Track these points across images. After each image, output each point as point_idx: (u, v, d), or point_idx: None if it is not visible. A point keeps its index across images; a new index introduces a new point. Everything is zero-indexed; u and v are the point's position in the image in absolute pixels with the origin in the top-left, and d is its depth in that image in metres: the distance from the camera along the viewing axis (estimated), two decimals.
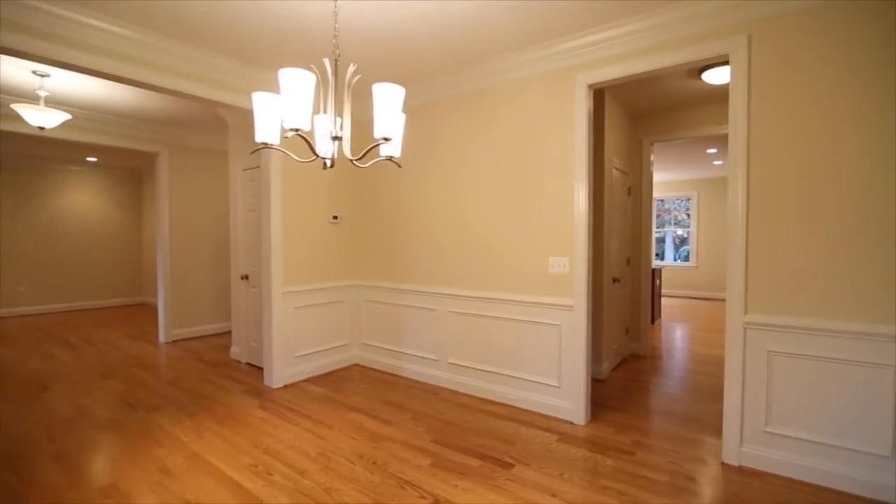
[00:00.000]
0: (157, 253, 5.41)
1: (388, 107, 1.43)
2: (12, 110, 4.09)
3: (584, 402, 2.92)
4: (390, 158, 1.72)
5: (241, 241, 4.40)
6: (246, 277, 4.32)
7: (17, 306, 7.11)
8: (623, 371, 4.14)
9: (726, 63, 3.21)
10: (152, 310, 7.74)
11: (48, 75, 3.53)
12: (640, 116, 4.68)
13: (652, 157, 4.78)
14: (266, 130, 1.51)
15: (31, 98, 4.01)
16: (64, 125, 4.45)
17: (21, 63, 3.29)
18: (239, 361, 4.43)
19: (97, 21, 2.55)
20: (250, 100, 3.39)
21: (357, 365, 4.29)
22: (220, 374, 4.04)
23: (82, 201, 7.77)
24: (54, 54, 2.46)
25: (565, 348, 3.00)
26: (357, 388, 3.63)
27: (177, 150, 5.35)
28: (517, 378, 3.23)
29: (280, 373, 3.67)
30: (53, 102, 4.21)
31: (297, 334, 3.80)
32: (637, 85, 3.80)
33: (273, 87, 3.51)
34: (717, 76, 3.49)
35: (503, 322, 3.29)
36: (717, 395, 3.46)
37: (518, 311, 3.21)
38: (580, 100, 2.90)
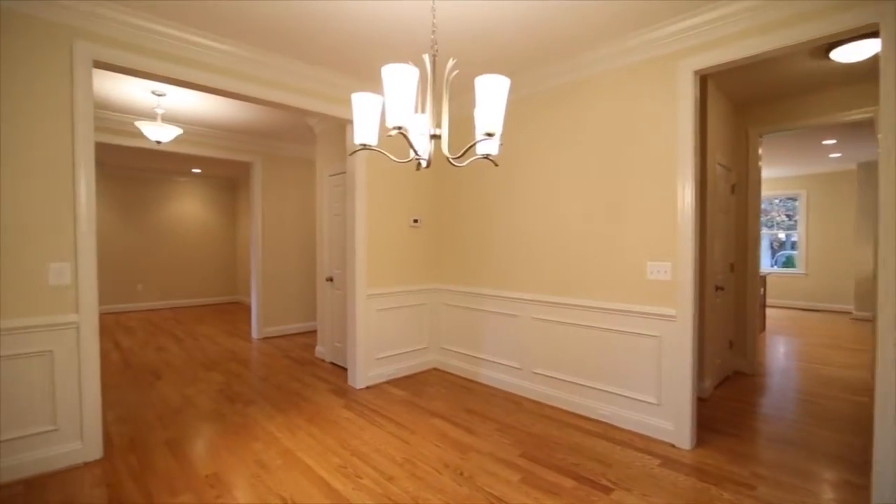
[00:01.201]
0: (250, 256, 5.82)
1: (492, 100, 1.34)
2: (135, 127, 4.59)
3: (689, 424, 2.62)
4: (487, 156, 1.63)
5: (326, 245, 4.57)
6: (330, 280, 4.48)
7: (136, 302, 8.03)
8: (727, 390, 3.71)
9: (868, 36, 2.77)
10: (245, 308, 8.36)
11: (164, 94, 3.90)
12: (746, 105, 4.20)
13: (760, 151, 4.27)
14: (365, 131, 1.49)
15: (149, 116, 4.48)
16: (175, 140, 4.93)
17: (143, 85, 3.67)
18: (323, 360, 4.60)
19: (206, 39, 2.74)
20: (340, 107, 3.49)
21: (435, 369, 4.27)
22: (306, 371, 4.21)
23: (187, 208, 8.62)
24: (171, 73, 2.69)
25: (666, 362, 2.72)
26: (437, 393, 3.59)
27: (269, 159, 5.72)
28: (610, 392, 2.99)
29: (363, 374, 3.74)
30: (168, 119, 4.67)
31: (379, 336, 3.85)
32: (744, 70, 3.39)
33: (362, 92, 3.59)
34: (850, 53, 3.01)
35: (593, 331, 3.07)
36: (846, 424, 2.96)
37: (610, 320, 2.97)
38: (684, 88, 2.63)
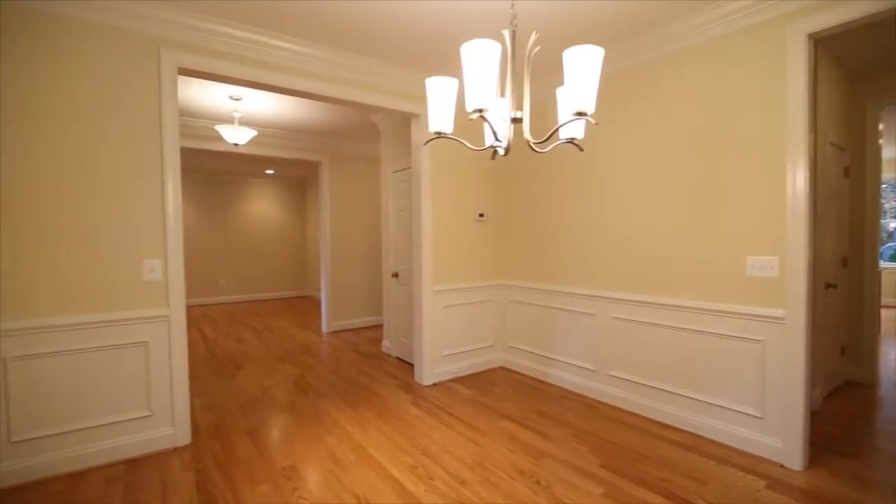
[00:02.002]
0: (319, 252, 6.01)
1: (584, 74, 1.19)
2: (215, 132, 4.88)
3: (800, 442, 2.29)
4: (572, 140, 1.48)
5: (391, 241, 4.59)
6: (396, 275, 4.49)
7: (219, 296, 8.64)
8: (840, 402, 3.24)
9: None
10: (314, 302, 8.71)
11: (240, 99, 4.09)
12: (864, 74, 3.62)
13: (881, 127, 3.68)
14: (440, 118, 1.39)
15: (227, 120, 4.72)
16: (250, 142, 5.17)
17: (221, 90, 3.86)
18: (390, 355, 4.63)
19: (280, 41, 2.80)
20: (405, 102, 3.46)
21: (502, 368, 4.14)
22: (374, 366, 4.25)
23: (262, 208, 9.12)
24: (248, 75, 2.77)
25: (771, 370, 2.39)
26: (504, 393, 3.46)
27: (336, 158, 5.87)
28: (702, 402, 2.70)
29: (429, 370, 3.70)
30: (244, 122, 4.91)
31: (445, 333, 3.79)
32: (864, 32, 2.90)
33: (423, 89, 3.54)
34: None
35: (683, 333, 2.79)
36: None
37: (704, 321, 2.68)
38: (796, 55, 2.28)
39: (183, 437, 2.62)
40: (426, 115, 3.60)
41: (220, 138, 4.98)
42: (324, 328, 5.89)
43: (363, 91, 3.24)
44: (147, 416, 2.52)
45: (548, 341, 3.72)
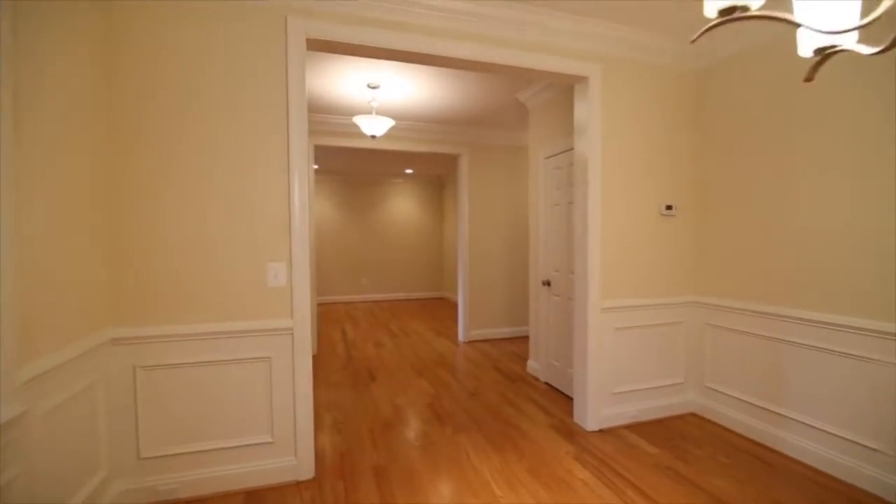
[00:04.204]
0: (458, 253, 5.54)
1: None
2: (353, 127, 4.71)
3: None
4: None
5: (541, 241, 3.82)
6: (547, 283, 3.70)
7: (362, 294, 8.89)
8: None
9: None
10: (450, 304, 8.39)
11: (378, 86, 3.75)
12: None
13: None
14: None
15: (365, 111, 4.49)
16: (388, 137, 4.91)
17: (358, 78, 3.56)
18: (537, 379, 3.87)
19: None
20: (572, 62, 2.66)
21: (694, 415, 3.05)
22: (519, 392, 3.53)
23: (401, 207, 9.14)
24: (389, 42, 2.29)
25: None
26: (710, 461, 2.42)
27: (476, 149, 5.32)
28: None
29: (595, 411, 2.83)
30: (382, 114, 4.65)
31: (616, 363, 2.89)
32: None
33: (625, 44, 2.69)
34: None
35: None
36: None
37: None
38: None
39: (306, 469, 2.25)
40: (596, 76, 2.75)
41: (359, 134, 4.80)
42: (460, 336, 5.39)
43: (519, 51, 2.54)
44: (269, 443, 2.20)
45: (776, 388, 2.55)
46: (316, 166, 7.70)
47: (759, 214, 2.64)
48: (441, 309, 7.90)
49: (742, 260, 2.74)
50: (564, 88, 3.45)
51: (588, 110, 2.77)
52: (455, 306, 8.16)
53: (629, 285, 2.90)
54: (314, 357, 4.67)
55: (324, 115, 4.59)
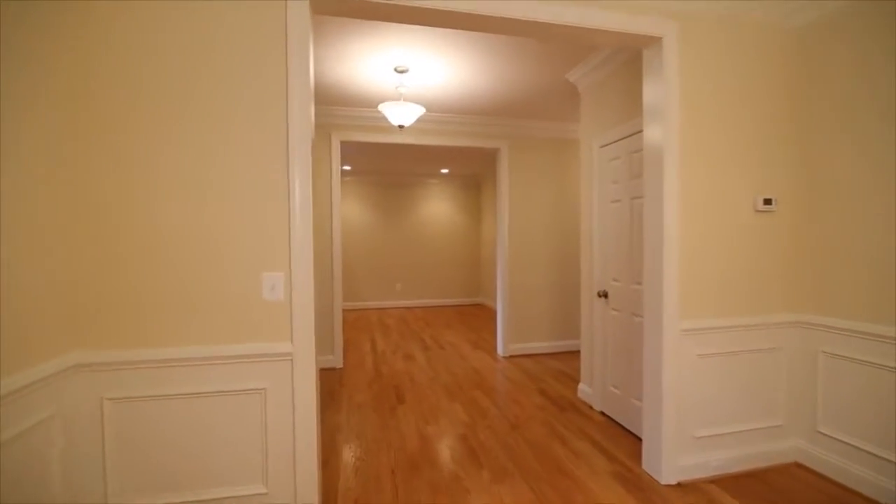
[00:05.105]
0: (497, 258, 5.05)
1: None
2: (380, 121, 4.31)
3: None
4: None
5: (595, 245, 3.24)
6: (604, 295, 3.12)
7: (396, 300, 8.53)
8: None
9: None
10: (488, 312, 7.86)
11: (407, 70, 3.32)
12: None
13: None
14: None
15: (392, 98, 4.07)
16: (419, 132, 4.48)
17: (384, 60, 3.14)
18: (591, 407, 3.29)
19: None
20: (642, 18, 2.11)
21: (800, 466, 2.39)
22: (571, 424, 2.98)
23: (437, 209, 8.71)
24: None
25: None
26: None
27: (516, 143, 4.79)
28: None
29: (672, 460, 2.24)
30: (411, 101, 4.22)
31: (699, 399, 2.29)
32: None
33: None
34: None
35: None
36: None
37: None
38: None
39: None
40: (671, 36, 2.18)
41: (387, 128, 4.40)
42: (499, 350, 4.87)
43: (576, 7, 2.02)
44: (262, 494, 1.78)
45: None
46: (347, 167, 7.41)
47: None
48: (478, 317, 7.38)
49: (877, 271, 2.08)
50: (623, 62, 2.89)
51: (661, 82, 2.20)
52: (494, 314, 7.62)
53: (713, 301, 2.30)
54: (338, 371, 4.29)
55: (348, 109, 4.23)
